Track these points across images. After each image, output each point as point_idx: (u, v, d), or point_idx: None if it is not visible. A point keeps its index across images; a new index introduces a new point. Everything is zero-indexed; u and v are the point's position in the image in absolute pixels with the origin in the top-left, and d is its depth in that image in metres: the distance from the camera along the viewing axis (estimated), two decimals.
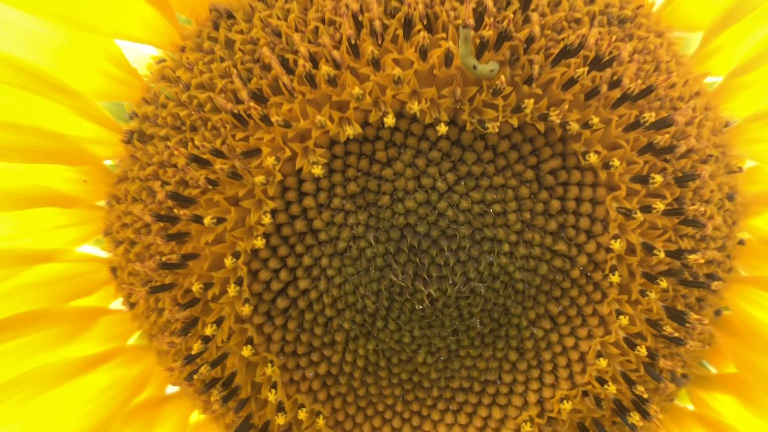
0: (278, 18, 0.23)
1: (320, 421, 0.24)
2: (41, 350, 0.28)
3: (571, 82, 0.22)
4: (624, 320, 0.23)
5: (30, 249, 0.24)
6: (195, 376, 0.24)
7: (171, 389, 0.30)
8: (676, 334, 0.25)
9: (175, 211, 0.23)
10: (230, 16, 0.25)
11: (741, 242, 0.26)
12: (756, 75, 0.24)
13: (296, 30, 0.24)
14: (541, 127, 0.22)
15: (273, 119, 0.22)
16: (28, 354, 0.26)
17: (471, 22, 0.21)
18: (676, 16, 0.25)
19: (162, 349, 0.26)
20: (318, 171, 0.23)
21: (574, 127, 0.21)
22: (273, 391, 0.24)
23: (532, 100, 0.23)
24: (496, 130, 0.22)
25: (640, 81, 0.24)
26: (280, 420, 0.24)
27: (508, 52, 0.22)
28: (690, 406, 0.28)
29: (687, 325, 0.25)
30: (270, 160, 0.21)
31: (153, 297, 0.24)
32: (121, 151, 0.24)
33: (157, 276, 0.26)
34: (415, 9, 0.21)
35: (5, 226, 0.25)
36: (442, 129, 0.21)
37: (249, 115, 0.22)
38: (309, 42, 0.23)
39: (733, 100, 0.25)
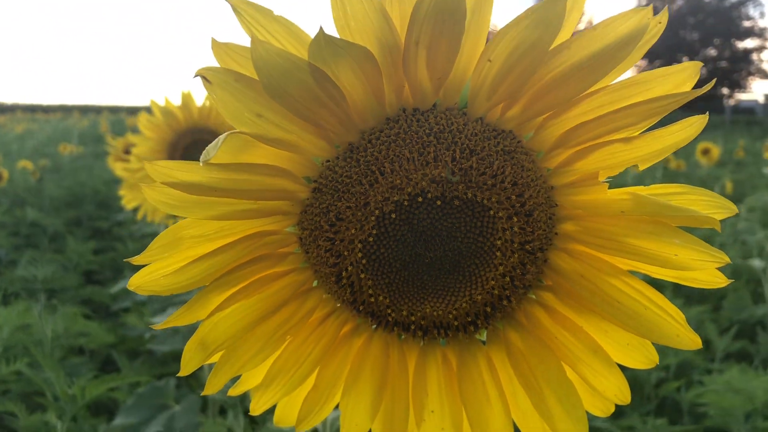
0: (378, 152, 0.52)
1: (386, 301, 0.57)
2: (265, 269, 0.54)
3: (486, 184, 0.53)
4: (502, 267, 0.53)
5: (270, 229, 0.56)
6: (341, 282, 0.56)
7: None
8: (522, 272, 0.52)
9: (336, 222, 0.55)
10: (356, 148, 0.49)
11: (556, 234, 0.59)
12: (565, 170, 0.56)
13: (384, 158, 0.53)
14: (475, 199, 0.53)
15: (376, 194, 0.53)
16: (259, 271, 0.58)
17: (451, 168, 0.52)
18: (534, 144, 0.56)
19: (317, 270, 0.58)
20: (393, 216, 0.50)
21: (485, 202, 0.53)
22: (370, 290, 0.56)
23: (470, 191, 0.50)
24: (458, 202, 0.53)
25: (511, 179, 0.49)
26: (371, 299, 0.56)
27: (464, 171, 0.53)
28: (533, 296, 0.56)
29: (527, 269, 0.53)
30: (376, 211, 0.53)
31: (321, 251, 0.56)
32: (310, 195, 0.55)
33: (324, 244, 0.54)
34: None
35: (263, 222, 0.56)
36: (438, 202, 0.52)
37: (366, 191, 0.53)
38: (390, 164, 0.53)
39: (555, 178, 0.53)
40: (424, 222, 0.50)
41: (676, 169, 9.21)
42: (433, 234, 0.50)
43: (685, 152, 11.92)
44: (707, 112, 0.47)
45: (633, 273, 0.52)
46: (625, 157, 0.49)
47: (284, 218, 0.53)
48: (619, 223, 0.50)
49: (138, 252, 0.52)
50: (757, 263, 3.56)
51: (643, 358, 0.54)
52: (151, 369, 2.72)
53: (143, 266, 0.52)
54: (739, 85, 52.63)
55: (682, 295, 3.71)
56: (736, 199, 7.10)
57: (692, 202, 0.50)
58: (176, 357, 2.85)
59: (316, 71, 0.43)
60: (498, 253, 0.51)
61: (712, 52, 53.27)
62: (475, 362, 0.56)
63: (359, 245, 0.50)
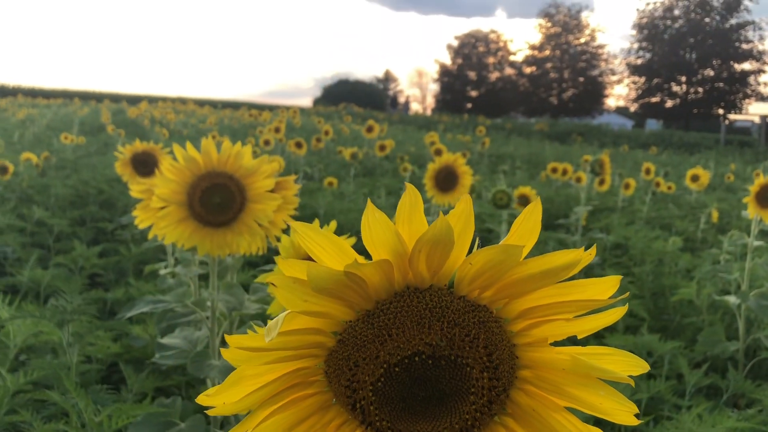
0: (388, 319, 0.68)
1: (387, 424, 0.74)
2: (297, 392, 0.78)
3: (465, 348, 0.72)
4: (474, 405, 0.68)
5: (304, 366, 0.75)
6: (354, 410, 0.75)
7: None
8: (489, 409, 0.75)
9: (353, 367, 0.74)
10: (372, 314, 0.71)
11: (516, 377, 0.77)
12: (524, 334, 0.76)
13: (392, 325, 0.70)
14: (457, 360, 0.72)
15: (385, 351, 0.72)
16: (293, 393, 0.78)
17: (440, 336, 0.72)
18: (502, 313, 0.75)
19: (336, 394, 0.77)
20: (397, 368, 0.73)
21: (463, 360, 0.72)
22: (376, 416, 0.74)
23: (453, 353, 0.74)
24: (444, 361, 0.72)
25: (484, 343, 0.74)
26: (376, 423, 0.74)
27: (449, 338, 0.72)
28: (498, 419, 0.79)
29: (493, 406, 0.75)
30: (385, 364, 0.72)
31: (341, 386, 0.75)
32: (336, 344, 0.74)
33: (344, 381, 0.77)
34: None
35: (299, 362, 0.75)
36: (430, 360, 0.72)
37: (378, 348, 0.73)
38: (396, 330, 0.73)
39: (517, 338, 0.73)
40: (419, 371, 0.67)
41: (666, 192, 9.40)
42: (425, 379, 0.67)
43: (675, 176, 12.12)
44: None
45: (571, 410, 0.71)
46: (566, 331, 0.68)
47: (315, 359, 0.71)
48: (561, 375, 0.68)
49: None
50: (732, 300, 3.72)
51: None
52: (155, 381, 2.90)
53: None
54: (735, 107, 52.98)
55: (657, 329, 3.90)
56: (721, 229, 7.30)
57: (615, 362, 0.68)
58: (179, 370, 3.03)
59: (349, 274, 0.63)
60: (472, 396, 0.69)
61: (710, 72, 53.56)
62: None
63: (370, 386, 0.68)
